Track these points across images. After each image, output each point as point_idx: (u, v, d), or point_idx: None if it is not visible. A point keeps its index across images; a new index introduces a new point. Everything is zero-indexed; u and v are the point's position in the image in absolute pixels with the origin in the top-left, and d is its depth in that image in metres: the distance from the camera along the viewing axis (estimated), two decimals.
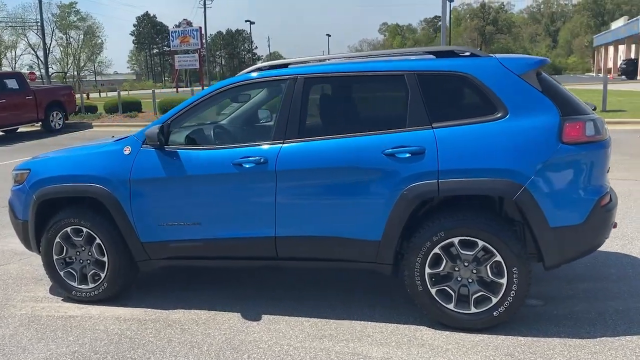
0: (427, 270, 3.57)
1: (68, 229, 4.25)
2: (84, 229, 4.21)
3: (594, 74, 60.04)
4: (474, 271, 3.52)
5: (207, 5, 56.81)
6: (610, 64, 55.99)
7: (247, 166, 3.78)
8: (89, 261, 4.31)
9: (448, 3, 18.69)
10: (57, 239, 4.29)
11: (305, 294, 4.30)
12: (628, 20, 48.72)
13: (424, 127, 3.55)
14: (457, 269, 3.55)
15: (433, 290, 3.59)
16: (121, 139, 4.43)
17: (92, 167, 4.16)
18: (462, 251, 3.51)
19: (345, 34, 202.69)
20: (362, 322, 3.79)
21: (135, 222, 4.07)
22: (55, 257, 4.34)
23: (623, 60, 47.48)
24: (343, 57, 4.11)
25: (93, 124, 19.79)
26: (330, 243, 3.75)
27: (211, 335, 3.71)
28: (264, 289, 4.45)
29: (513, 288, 3.44)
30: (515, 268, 3.42)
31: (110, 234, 4.15)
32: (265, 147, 3.81)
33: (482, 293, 3.52)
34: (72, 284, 4.35)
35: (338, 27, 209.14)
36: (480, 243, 3.46)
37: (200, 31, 56.86)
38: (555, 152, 3.36)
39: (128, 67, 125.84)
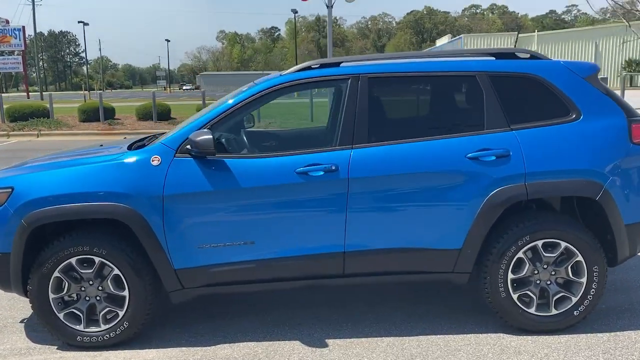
0: (510, 275, 3.50)
1: (73, 260, 3.42)
2: (97, 259, 3.41)
3: None
4: (553, 273, 3.53)
5: (36, 3, 51.05)
6: None
7: (316, 174, 3.37)
8: (98, 297, 3.50)
9: (331, 11, 18.96)
10: (56, 273, 3.42)
11: (355, 313, 3.94)
12: (451, 38, 54.32)
13: (503, 129, 3.48)
14: (536, 272, 3.52)
15: (515, 296, 3.52)
16: (137, 145, 3.70)
17: (108, 182, 3.39)
18: (544, 254, 3.49)
19: (184, 40, 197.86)
20: (440, 335, 3.58)
21: (169, 246, 3.41)
22: (52, 296, 3.46)
23: None
24: (399, 57, 3.85)
25: None
26: (405, 255, 3.50)
27: None
28: (305, 310, 4.00)
29: (593, 286, 3.51)
30: (596, 267, 3.49)
31: (134, 262, 3.42)
32: (333, 152, 3.43)
33: (563, 294, 3.53)
34: (77, 327, 3.49)
35: (176, 33, 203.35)
36: (563, 244, 3.47)
37: (24, 31, 51.22)
38: (628, 151, 3.51)
39: None
